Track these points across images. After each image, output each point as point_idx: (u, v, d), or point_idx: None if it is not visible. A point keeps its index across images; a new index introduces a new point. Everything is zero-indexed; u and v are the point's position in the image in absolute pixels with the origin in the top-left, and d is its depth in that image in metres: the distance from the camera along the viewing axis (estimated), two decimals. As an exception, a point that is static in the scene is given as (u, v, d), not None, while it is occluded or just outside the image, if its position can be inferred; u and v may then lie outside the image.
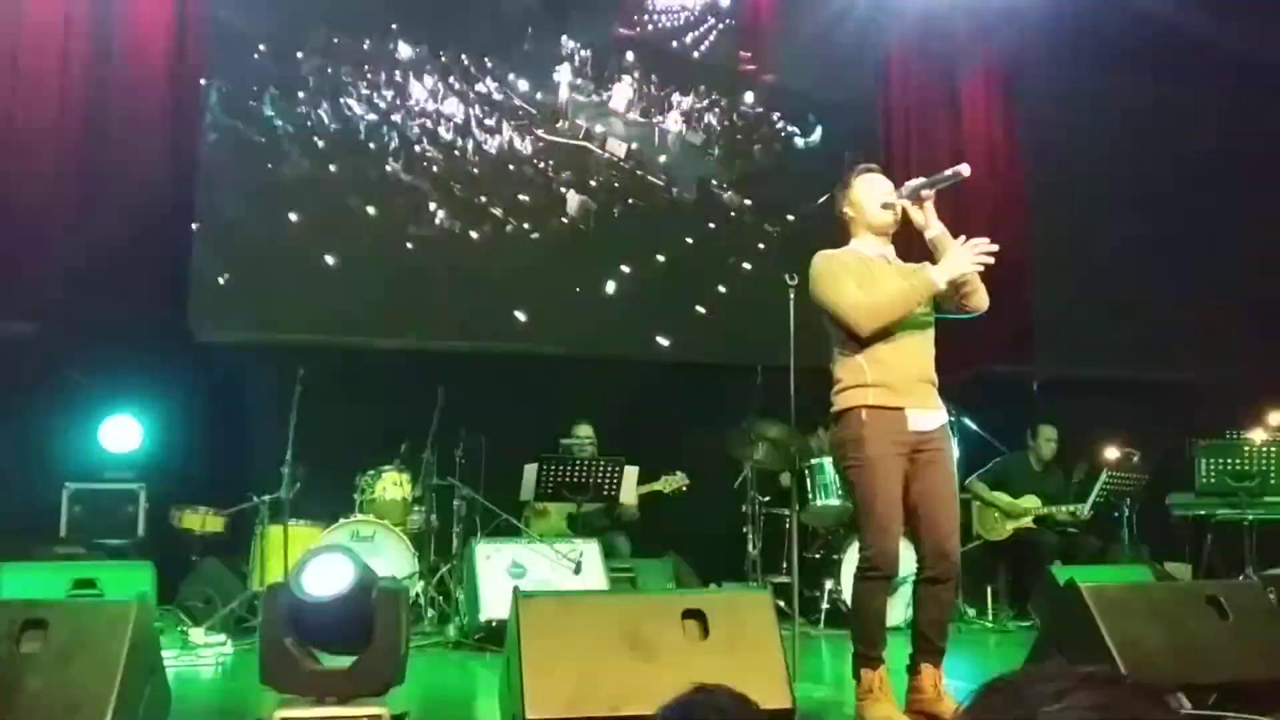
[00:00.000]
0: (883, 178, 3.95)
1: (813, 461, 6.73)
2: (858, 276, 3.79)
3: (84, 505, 6.26)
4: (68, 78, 6.87)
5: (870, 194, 3.88)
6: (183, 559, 6.19)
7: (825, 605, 6.38)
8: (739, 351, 7.98)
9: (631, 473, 6.43)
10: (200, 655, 5.05)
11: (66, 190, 6.85)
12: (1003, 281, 8.64)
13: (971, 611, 6.78)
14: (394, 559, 5.87)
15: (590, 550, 5.88)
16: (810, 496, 6.58)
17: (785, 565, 6.48)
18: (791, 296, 4.75)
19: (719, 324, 8.23)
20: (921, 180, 3.85)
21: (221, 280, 7.35)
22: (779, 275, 4.88)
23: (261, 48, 7.52)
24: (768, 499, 6.82)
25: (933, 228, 3.86)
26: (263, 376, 6.70)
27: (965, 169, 3.78)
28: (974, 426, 6.84)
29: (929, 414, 3.79)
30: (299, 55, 7.60)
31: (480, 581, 5.63)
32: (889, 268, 3.88)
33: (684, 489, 6.90)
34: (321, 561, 3.28)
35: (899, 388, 3.72)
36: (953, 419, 6.89)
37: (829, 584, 6.41)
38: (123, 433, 6.61)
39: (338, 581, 3.21)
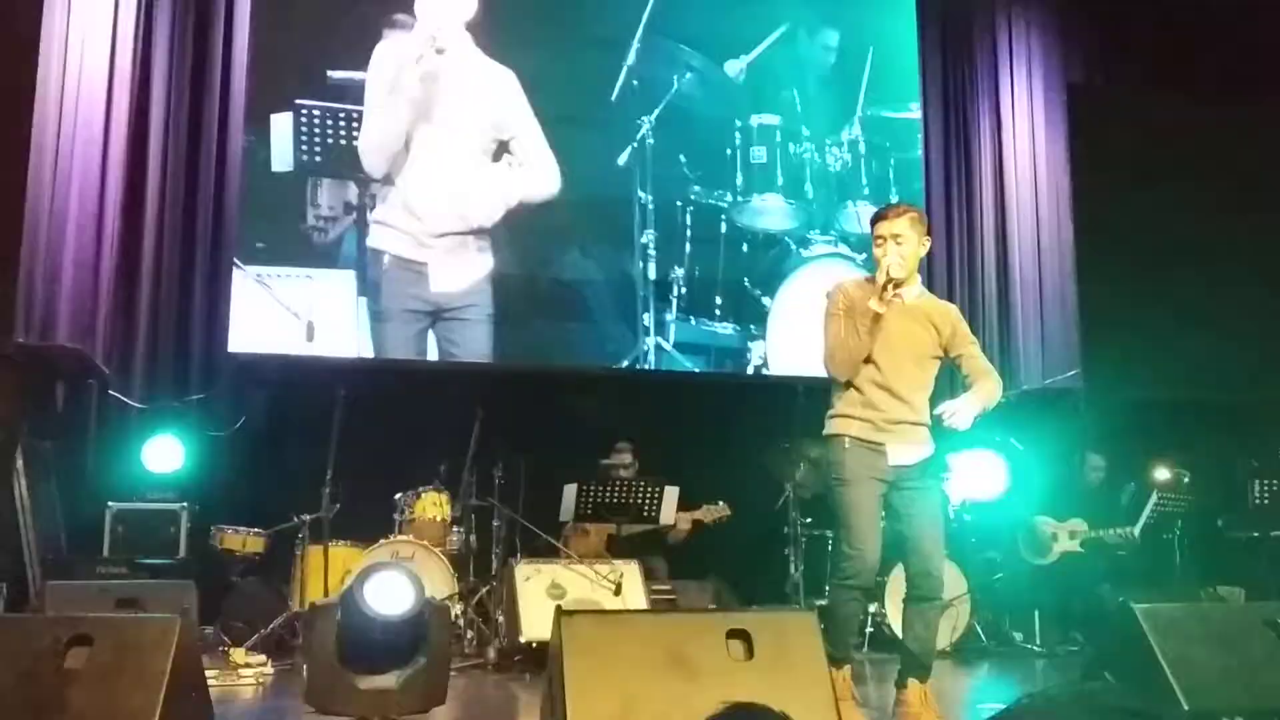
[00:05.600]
0: (889, 235, 4.04)
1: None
2: (858, 313, 4.01)
3: (127, 525, 6.30)
4: (112, 106, 6.96)
5: (877, 252, 4.09)
6: (223, 579, 6.21)
7: (869, 629, 6.29)
8: (780, 369, 7.89)
9: (672, 494, 6.37)
10: (241, 675, 5.05)
11: (113, 211, 6.92)
12: (1049, 298, 8.51)
13: (1019, 635, 6.66)
14: (433, 580, 5.85)
15: (630, 571, 5.84)
16: (853, 518, 6.49)
17: (828, 588, 6.40)
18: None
19: (761, 341, 8.12)
20: (896, 270, 3.99)
21: (263, 298, 7.30)
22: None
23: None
24: (809, 520, 6.75)
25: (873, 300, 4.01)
26: (304, 396, 6.72)
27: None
28: (1019, 447, 6.76)
29: (910, 449, 4.06)
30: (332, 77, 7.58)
31: (520, 603, 5.61)
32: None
33: (725, 519, 6.82)
34: (382, 579, 3.29)
35: (883, 426, 4.02)
36: (999, 440, 6.90)
37: (873, 607, 6.31)
38: (165, 453, 6.66)
39: (403, 599, 3.23)
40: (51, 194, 6.70)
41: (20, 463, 6.04)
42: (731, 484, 6.90)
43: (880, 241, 4.05)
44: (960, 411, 3.98)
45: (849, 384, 4.06)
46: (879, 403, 4.02)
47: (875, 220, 4.13)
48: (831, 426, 4.11)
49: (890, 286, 3.97)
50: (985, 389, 4.08)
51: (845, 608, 4.06)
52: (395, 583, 3.33)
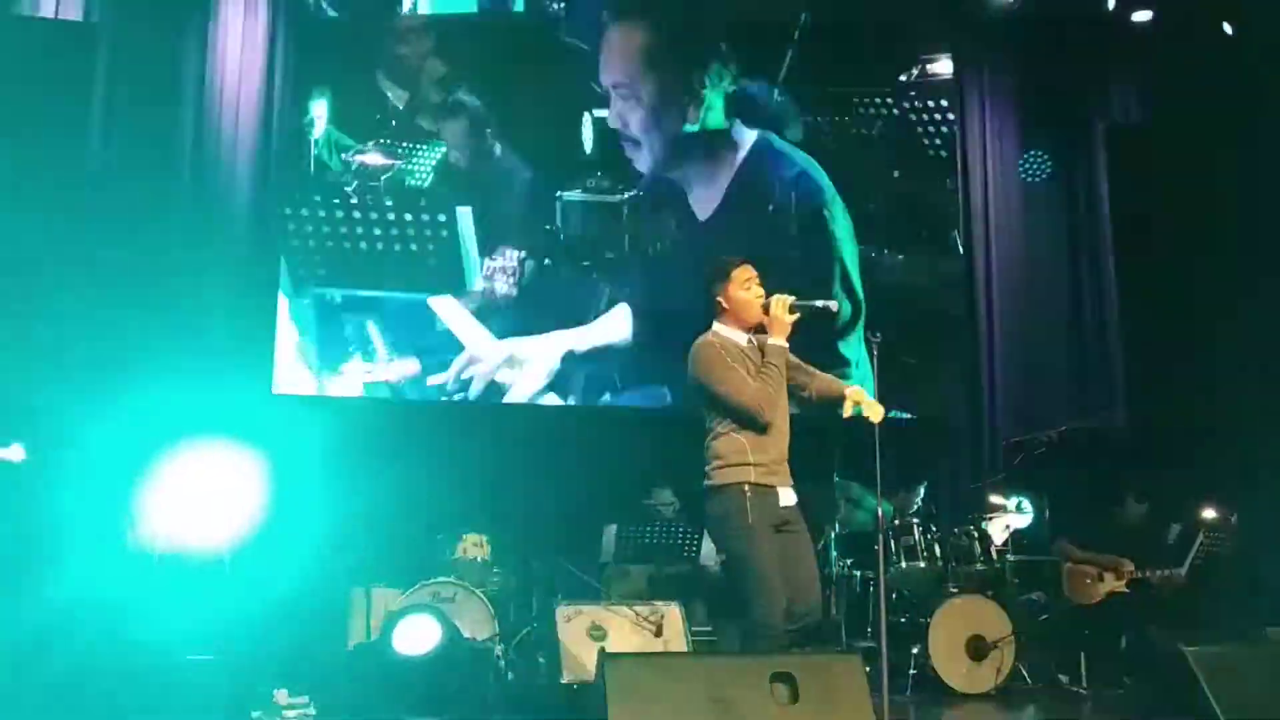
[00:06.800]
0: (755, 275, 4.26)
1: (897, 522, 6.62)
2: (742, 367, 4.14)
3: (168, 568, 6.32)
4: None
5: (749, 296, 4.23)
6: (266, 621, 6.22)
7: (912, 671, 6.22)
8: (821, 410, 7.84)
9: (712, 534, 6.35)
10: (285, 716, 5.06)
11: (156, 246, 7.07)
12: (1087, 335, 8.40)
13: (1065, 678, 6.56)
14: (474, 621, 5.85)
15: (672, 613, 5.82)
16: (895, 558, 6.46)
17: (870, 629, 6.35)
18: (874, 353, 4.71)
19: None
20: (795, 300, 4.19)
21: (303, 336, 7.39)
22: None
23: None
24: (851, 561, 6.70)
25: (777, 339, 4.17)
26: (345, 436, 6.75)
27: (834, 305, 4.33)
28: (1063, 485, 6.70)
29: (791, 491, 4.19)
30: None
31: (561, 644, 5.60)
32: (754, 353, 4.23)
33: None
34: (409, 623, 3.30)
35: (773, 469, 4.12)
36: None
37: (915, 649, 6.25)
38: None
39: (428, 641, 3.23)
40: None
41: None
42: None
43: (750, 285, 4.22)
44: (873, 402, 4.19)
45: (739, 432, 4.09)
46: (769, 445, 4.11)
47: (741, 263, 4.27)
48: (725, 476, 4.09)
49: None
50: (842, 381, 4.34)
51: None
52: (422, 625, 3.34)
